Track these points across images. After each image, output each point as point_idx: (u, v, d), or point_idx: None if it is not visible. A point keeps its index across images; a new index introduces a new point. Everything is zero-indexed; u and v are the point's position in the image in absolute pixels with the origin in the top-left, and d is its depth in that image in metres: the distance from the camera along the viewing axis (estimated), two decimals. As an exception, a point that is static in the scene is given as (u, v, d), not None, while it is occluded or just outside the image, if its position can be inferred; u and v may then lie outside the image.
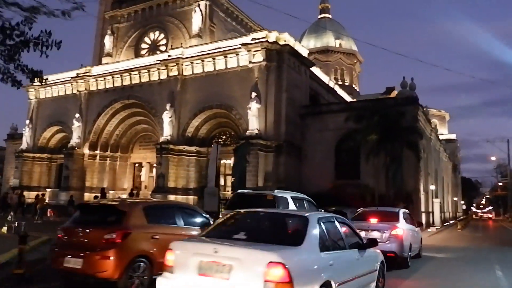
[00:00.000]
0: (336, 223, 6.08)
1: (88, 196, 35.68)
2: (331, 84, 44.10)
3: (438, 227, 34.47)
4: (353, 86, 65.41)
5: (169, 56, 35.02)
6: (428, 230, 30.33)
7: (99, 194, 32.89)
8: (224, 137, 35.24)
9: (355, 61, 70.28)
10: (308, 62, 34.59)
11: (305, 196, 12.22)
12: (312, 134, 32.35)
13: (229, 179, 32.45)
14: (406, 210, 13.47)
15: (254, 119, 29.99)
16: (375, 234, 10.48)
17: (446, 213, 48.52)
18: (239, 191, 12.98)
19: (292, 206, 10.58)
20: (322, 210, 11.45)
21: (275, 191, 11.78)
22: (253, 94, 30.21)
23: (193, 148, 34.19)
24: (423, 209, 31.31)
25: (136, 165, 41.28)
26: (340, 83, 61.57)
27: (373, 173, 28.09)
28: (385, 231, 10.76)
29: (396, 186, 26.27)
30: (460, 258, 14.80)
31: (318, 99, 38.08)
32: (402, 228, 11.05)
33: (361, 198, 27.56)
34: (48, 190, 39.61)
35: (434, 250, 16.35)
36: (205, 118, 34.12)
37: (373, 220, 11.33)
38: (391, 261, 10.03)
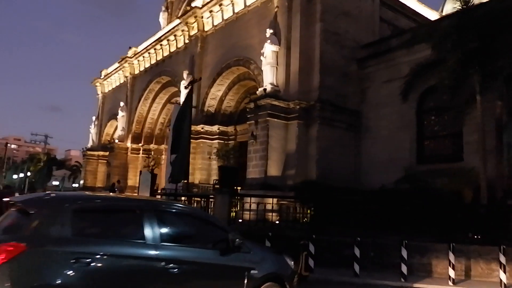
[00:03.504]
0: None
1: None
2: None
3: None
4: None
5: (185, 10, 26.52)
6: None
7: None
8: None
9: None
10: (375, -23, 21.28)
11: None
12: (378, 89, 19.12)
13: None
14: None
15: (268, 68, 18.89)
16: None
17: None
18: None
19: None
20: None
21: None
22: (269, 32, 19.16)
23: (215, 128, 24.57)
24: None
25: (186, 159, 33.57)
26: None
27: (477, 146, 13.86)
28: None
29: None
30: None
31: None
32: None
33: (455, 195, 13.92)
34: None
35: None
36: (229, 84, 24.25)
37: None
38: None
